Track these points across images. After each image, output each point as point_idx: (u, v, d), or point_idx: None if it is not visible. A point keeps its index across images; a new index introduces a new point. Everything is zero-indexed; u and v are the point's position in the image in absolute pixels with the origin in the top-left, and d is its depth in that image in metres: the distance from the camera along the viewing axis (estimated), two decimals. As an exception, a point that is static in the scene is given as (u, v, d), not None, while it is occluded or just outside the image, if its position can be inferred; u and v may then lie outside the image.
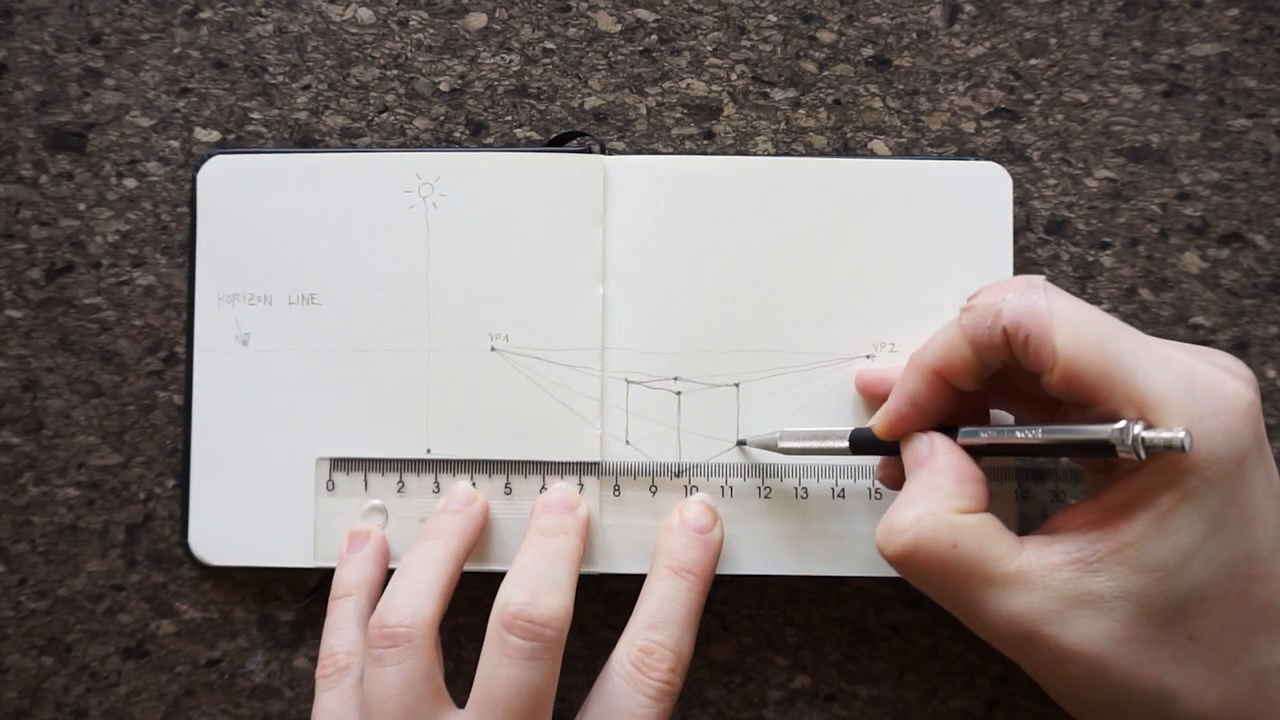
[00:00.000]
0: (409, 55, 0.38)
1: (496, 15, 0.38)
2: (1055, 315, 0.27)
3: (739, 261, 0.36)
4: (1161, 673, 0.26)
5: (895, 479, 0.32)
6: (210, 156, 0.36)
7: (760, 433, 0.35)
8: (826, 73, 0.38)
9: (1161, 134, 0.37)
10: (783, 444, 0.34)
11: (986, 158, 0.37)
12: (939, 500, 0.28)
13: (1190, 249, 0.37)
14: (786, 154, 0.38)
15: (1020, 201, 0.37)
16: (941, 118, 0.38)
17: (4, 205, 0.37)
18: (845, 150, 0.38)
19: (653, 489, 0.35)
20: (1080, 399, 0.27)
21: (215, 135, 0.38)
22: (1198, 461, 0.25)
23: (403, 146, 0.38)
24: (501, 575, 0.31)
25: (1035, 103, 0.38)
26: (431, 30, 0.38)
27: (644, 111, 0.38)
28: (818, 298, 0.35)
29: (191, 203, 0.36)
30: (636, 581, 0.33)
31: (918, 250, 0.36)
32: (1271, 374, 0.37)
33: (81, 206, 0.37)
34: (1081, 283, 0.37)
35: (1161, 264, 0.37)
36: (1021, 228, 0.37)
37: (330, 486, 0.35)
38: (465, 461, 0.35)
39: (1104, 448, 0.26)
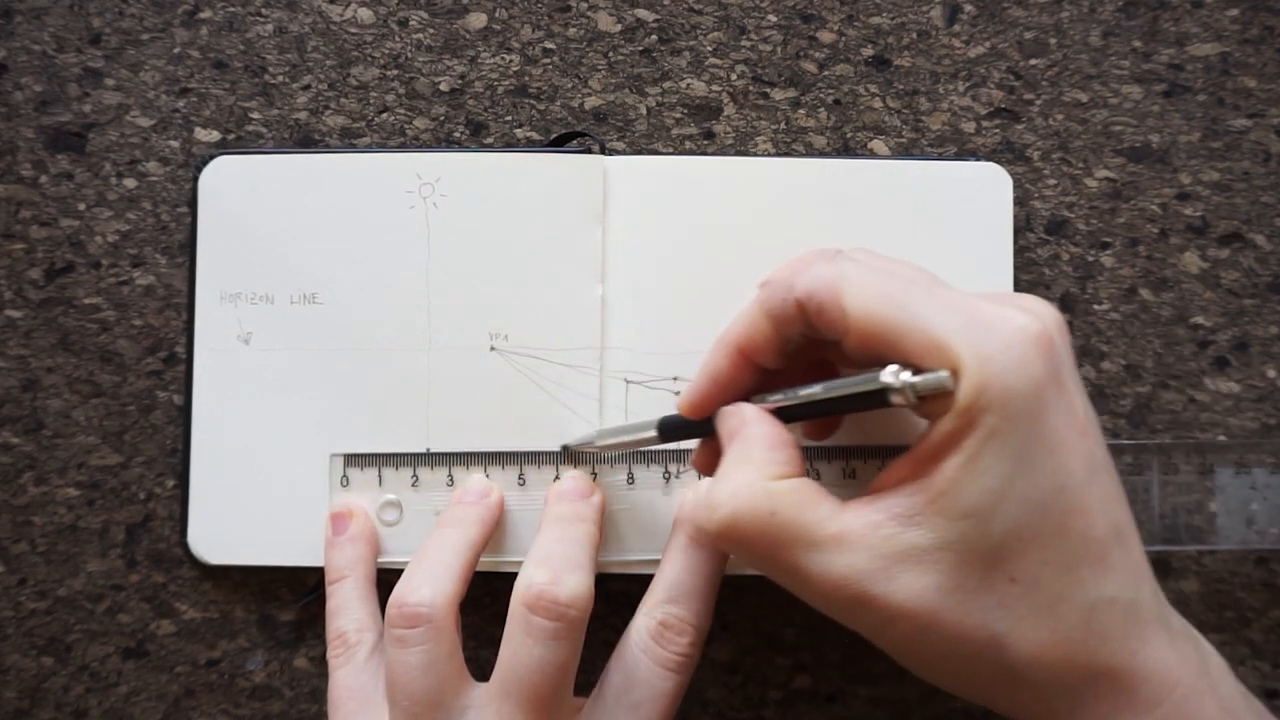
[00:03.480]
0: (409, 55, 0.38)
1: (496, 15, 0.38)
2: (842, 279, 0.27)
3: (739, 261, 0.36)
4: (989, 619, 0.25)
5: (710, 465, 0.32)
6: (213, 158, 0.36)
7: (579, 435, 0.35)
8: (826, 73, 0.38)
9: (1161, 134, 0.37)
10: (599, 442, 0.34)
11: (986, 158, 0.37)
12: (753, 470, 0.28)
13: (1190, 249, 0.37)
14: (786, 154, 0.38)
15: (1020, 201, 0.37)
16: (941, 118, 0.38)
17: (4, 205, 0.37)
18: (845, 150, 0.38)
19: (665, 476, 0.35)
20: (878, 357, 0.27)
21: (215, 135, 0.38)
22: (995, 399, 0.25)
23: (403, 146, 0.38)
24: (513, 575, 0.30)
25: (1035, 103, 0.38)
26: (431, 30, 0.38)
27: (644, 111, 0.38)
28: (818, 298, 0.35)
29: (193, 203, 0.36)
30: (636, 581, 0.33)
31: (918, 250, 0.35)
32: (1272, 374, 0.37)
33: (81, 206, 0.37)
34: (1081, 283, 0.37)
35: (1161, 264, 0.37)
36: (1021, 228, 0.37)
37: (344, 482, 0.35)
38: (479, 454, 0.35)
39: (879, 396, 0.26)
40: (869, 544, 0.26)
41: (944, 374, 0.25)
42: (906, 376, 0.26)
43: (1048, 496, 0.25)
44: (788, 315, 0.29)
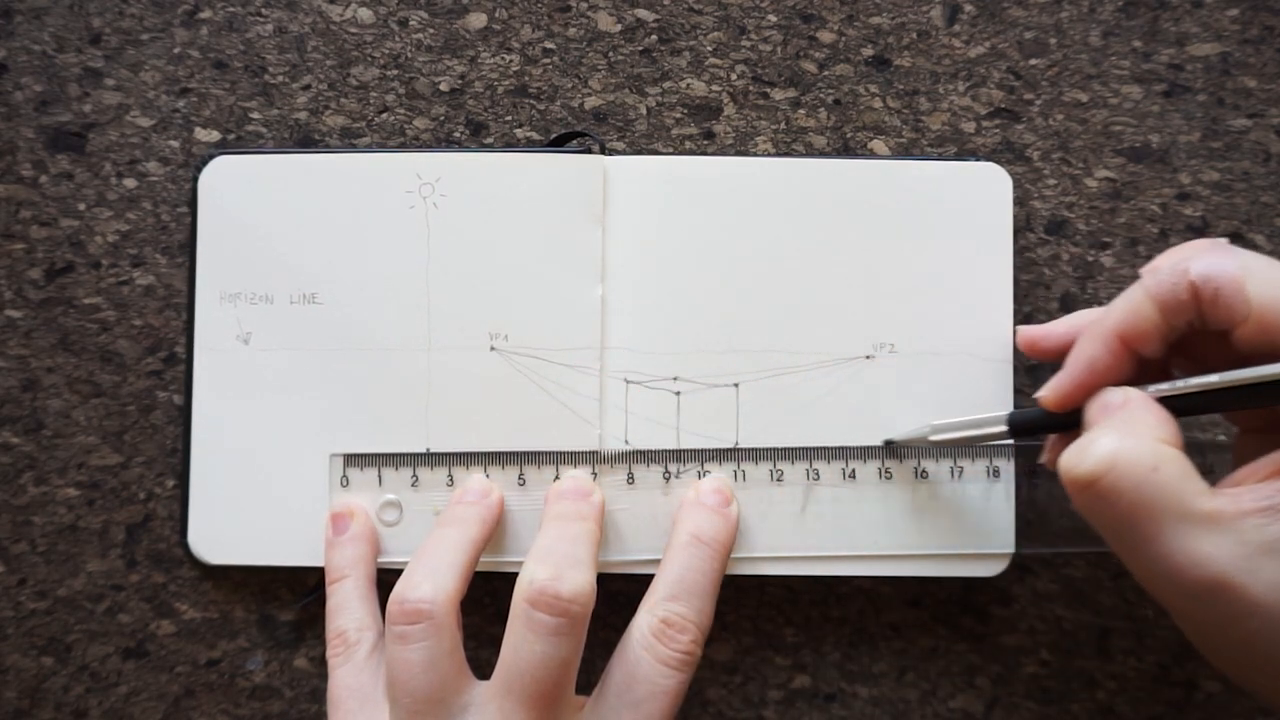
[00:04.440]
0: (409, 55, 0.38)
1: (496, 15, 0.38)
2: (1245, 267, 0.27)
3: (739, 261, 0.36)
4: None
5: None
6: (212, 158, 0.36)
7: (907, 430, 0.35)
8: (826, 73, 0.38)
9: (1161, 134, 0.37)
10: (933, 437, 0.33)
11: (986, 158, 0.37)
12: (1139, 428, 0.27)
13: (1190, 249, 0.37)
14: (786, 154, 0.38)
15: (1020, 201, 0.37)
16: (941, 118, 0.38)
17: (4, 205, 0.37)
18: (845, 150, 0.38)
19: (665, 476, 0.35)
20: (1276, 349, 0.27)
21: (215, 135, 0.38)
22: None
23: (403, 146, 0.38)
24: (513, 576, 0.30)
25: (1035, 103, 0.38)
26: (431, 30, 0.38)
27: (644, 111, 0.38)
28: (817, 298, 0.36)
29: (192, 203, 0.36)
30: (637, 581, 0.33)
31: (918, 250, 0.36)
32: (1271, 374, 0.37)
33: (81, 206, 0.37)
34: (1081, 283, 0.37)
35: (1161, 264, 0.37)
36: (1021, 228, 0.37)
37: (344, 482, 0.35)
38: (479, 454, 0.35)
39: None
40: (1239, 529, 0.25)
41: None
42: None
43: None
44: (1178, 301, 0.28)
